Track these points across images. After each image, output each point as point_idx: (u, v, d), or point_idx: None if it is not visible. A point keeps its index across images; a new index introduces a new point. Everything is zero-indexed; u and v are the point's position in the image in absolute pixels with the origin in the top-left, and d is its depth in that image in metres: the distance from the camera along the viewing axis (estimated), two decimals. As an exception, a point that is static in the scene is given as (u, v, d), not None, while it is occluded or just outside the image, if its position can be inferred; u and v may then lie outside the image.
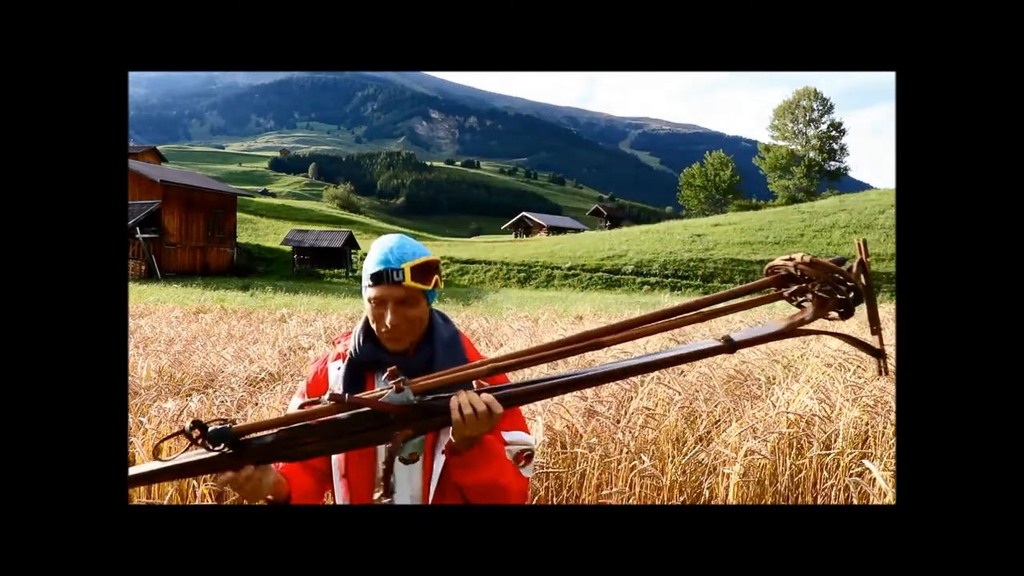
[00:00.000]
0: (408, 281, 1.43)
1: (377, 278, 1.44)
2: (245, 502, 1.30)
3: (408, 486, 1.47)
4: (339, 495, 1.51)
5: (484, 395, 1.31)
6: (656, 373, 4.20)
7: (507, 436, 1.47)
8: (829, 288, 1.16)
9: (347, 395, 1.29)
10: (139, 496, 3.12)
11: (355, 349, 1.50)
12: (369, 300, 1.46)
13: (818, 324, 1.20)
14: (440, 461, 1.45)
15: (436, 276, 1.50)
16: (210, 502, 3.05)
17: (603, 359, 5.75)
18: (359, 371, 1.50)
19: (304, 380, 1.61)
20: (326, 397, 1.30)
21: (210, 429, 1.25)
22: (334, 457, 1.50)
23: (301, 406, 1.47)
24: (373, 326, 1.48)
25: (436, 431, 1.43)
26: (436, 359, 1.48)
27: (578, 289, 32.92)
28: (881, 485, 2.55)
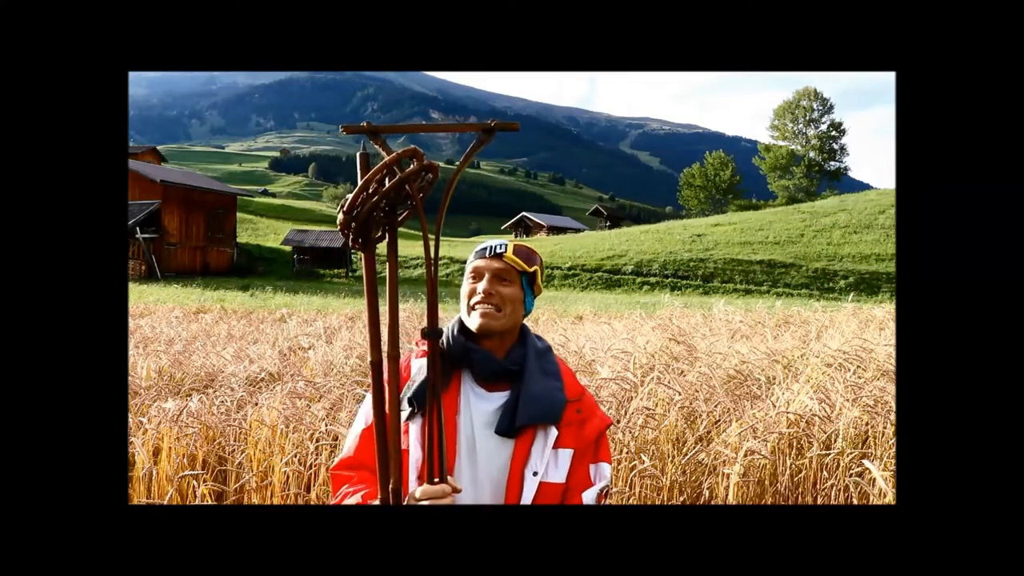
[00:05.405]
0: (509, 254, 1.45)
1: (480, 253, 1.48)
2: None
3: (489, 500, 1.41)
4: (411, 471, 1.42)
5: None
6: (656, 373, 4.21)
7: (586, 496, 1.44)
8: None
9: None
10: (139, 496, 3.12)
11: (448, 339, 1.48)
12: (468, 276, 1.48)
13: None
14: (532, 484, 1.40)
15: (537, 268, 1.49)
16: (210, 502, 3.05)
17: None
18: (448, 366, 1.46)
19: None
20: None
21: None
22: (412, 435, 1.42)
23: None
24: (467, 304, 1.47)
25: (528, 447, 1.40)
26: (527, 364, 1.45)
27: (578, 289, 32.92)
28: (881, 485, 2.55)
